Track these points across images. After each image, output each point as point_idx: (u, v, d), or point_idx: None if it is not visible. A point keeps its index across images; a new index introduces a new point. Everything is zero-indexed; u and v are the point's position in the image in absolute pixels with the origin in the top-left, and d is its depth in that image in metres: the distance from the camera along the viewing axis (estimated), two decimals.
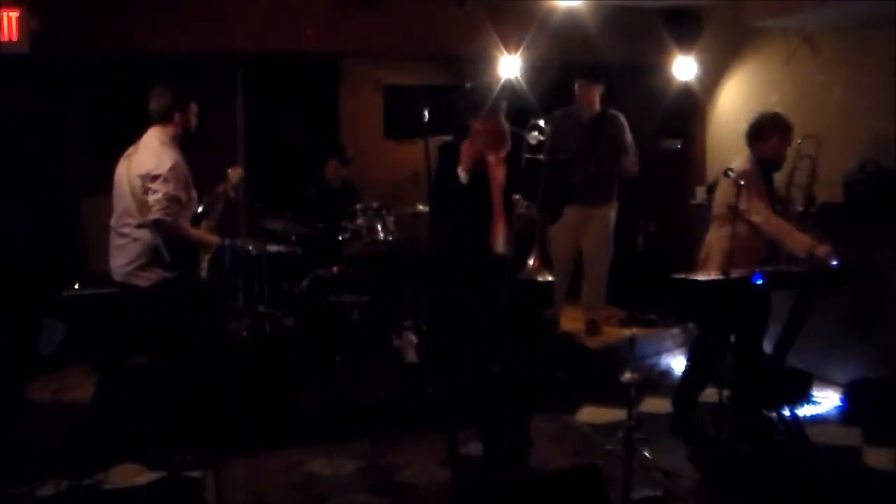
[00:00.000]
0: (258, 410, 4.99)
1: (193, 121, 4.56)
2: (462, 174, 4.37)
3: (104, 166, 4.61)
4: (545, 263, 4.39)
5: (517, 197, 4.31)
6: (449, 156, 4.42)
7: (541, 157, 4.35)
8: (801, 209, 5.71)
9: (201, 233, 4.66)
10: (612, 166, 6.18)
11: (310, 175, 6.76)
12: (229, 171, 5.01)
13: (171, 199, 4.35)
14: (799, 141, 5.64)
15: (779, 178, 5.15)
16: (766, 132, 4.78)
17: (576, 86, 6.30)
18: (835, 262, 4.48)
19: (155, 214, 4.33)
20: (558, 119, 6.30)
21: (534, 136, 4.36)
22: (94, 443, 4.55)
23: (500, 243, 4.42)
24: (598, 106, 6.27)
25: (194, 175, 4.58)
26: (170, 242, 4.42)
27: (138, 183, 4.40)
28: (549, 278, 4.37)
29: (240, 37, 6.36)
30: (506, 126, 4.40)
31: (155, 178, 4.35)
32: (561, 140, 6.22)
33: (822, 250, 4.51)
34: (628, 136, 6.29)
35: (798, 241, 4.60)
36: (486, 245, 4.41)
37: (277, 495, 4.26)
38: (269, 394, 5.16)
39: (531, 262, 4.33)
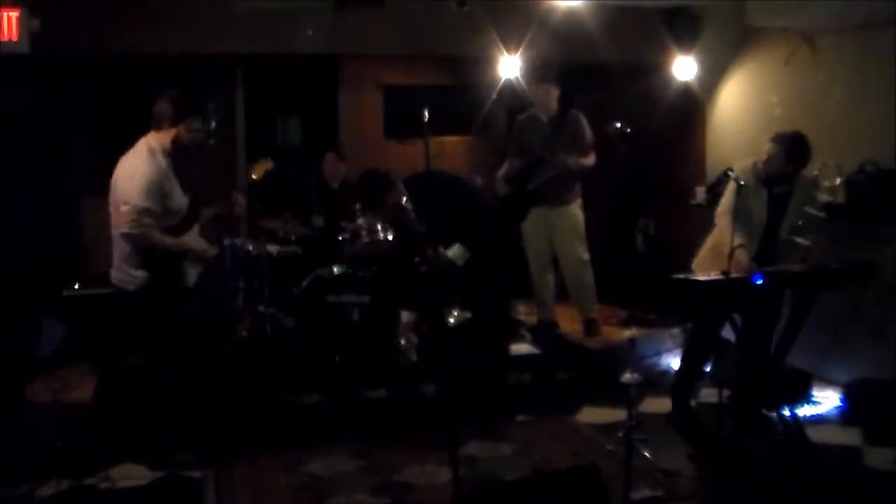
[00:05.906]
0: (258, 410, 4.99)
1: (189, 136, 4.40)
2: None
3: (104, 167, 4.59)
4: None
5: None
6: None
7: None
8: None
9: (183, 241, 4.47)
10: (574, 164, 6.13)
11: (310, 174, 6.76)
12: (255, 165, 5.07)
13: (140, 212, 4.23)
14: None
15: None
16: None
17: (533, 88, 6.36)
18: (756, 277, 4.40)
19: (122, 228, 4.26)
20: (522, 123, 6.44)
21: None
22: (94, 443, 4.55)
23: None
24: (555, 105, 6.26)
25: (193, 176, 4.56)
26: (141, 253, 4.34)
27: (117, 186, 4.34)
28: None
29: (239, 37, 6.35)
30: None
31: (127, 188, 4.26)
32: (525, 143, 6.30)
33: (742, 261, 4.47)
34: (588, 135, 6.24)
35: (721, 244, 4.55)
36: None
37: (277, 495, 4.26)
38: (268, 394, 5.16)
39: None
